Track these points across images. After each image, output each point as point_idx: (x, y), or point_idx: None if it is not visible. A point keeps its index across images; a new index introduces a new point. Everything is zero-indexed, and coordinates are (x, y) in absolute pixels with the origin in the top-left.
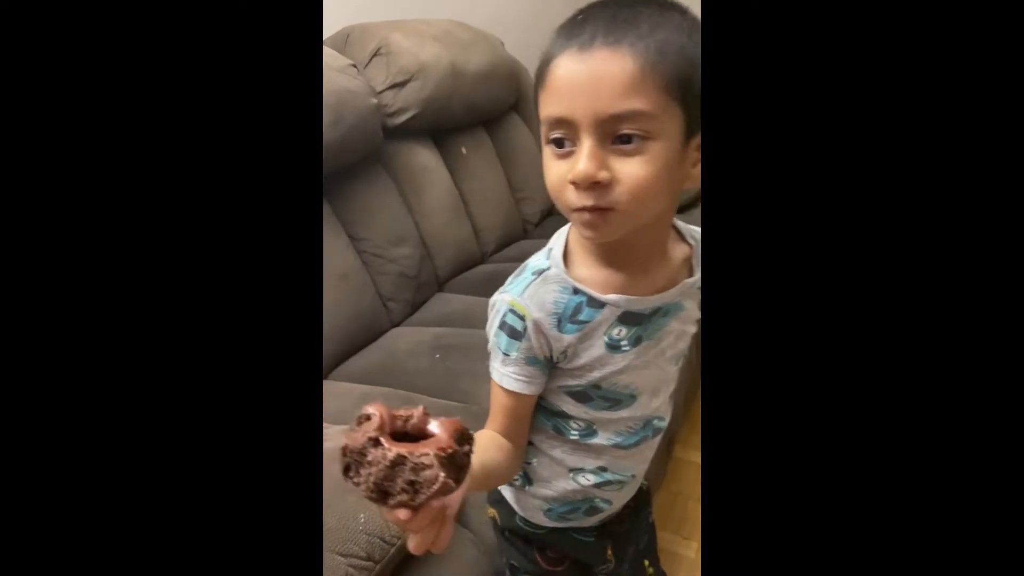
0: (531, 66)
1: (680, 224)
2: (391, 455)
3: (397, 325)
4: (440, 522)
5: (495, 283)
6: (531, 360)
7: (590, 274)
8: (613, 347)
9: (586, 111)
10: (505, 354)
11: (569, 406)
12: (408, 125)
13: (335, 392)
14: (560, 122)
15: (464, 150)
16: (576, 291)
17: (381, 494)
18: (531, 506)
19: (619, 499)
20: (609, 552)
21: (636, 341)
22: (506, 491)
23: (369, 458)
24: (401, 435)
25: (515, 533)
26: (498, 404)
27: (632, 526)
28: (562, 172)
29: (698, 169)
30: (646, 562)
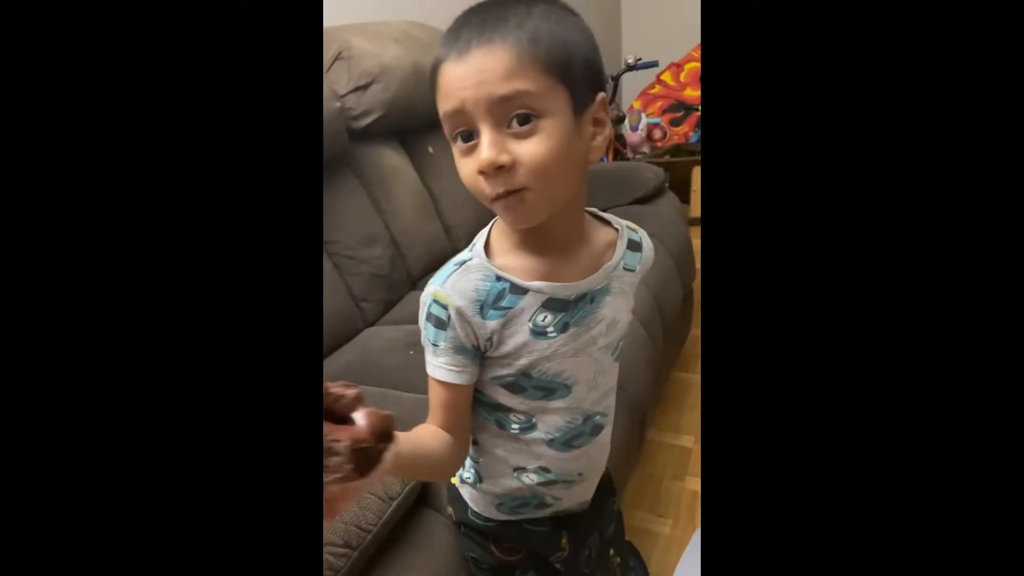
0: None
1: (603, 213)
2: None
3: (371, 325)
4: (338, 497)
5: None
6: (459, 349)
7: (513, 262)
8: (538, 333)
9: (476, 98)
10: (435, 345)
11: (505, 397)
12: (373, 127)
13: None
14: (456, 114)
15: (431, 149)
16: (499, 278)
17: None
18: (484, 502)
19: (571, 497)
20: (564, 540)
21: (563, 328)
22: (462, 488)
23: None
24: (329, 412)
25: (470, 527)
26: (435, 397)
27: (593, 514)
28: (472, 166)
29: (599, 141)
30: (611, 551)
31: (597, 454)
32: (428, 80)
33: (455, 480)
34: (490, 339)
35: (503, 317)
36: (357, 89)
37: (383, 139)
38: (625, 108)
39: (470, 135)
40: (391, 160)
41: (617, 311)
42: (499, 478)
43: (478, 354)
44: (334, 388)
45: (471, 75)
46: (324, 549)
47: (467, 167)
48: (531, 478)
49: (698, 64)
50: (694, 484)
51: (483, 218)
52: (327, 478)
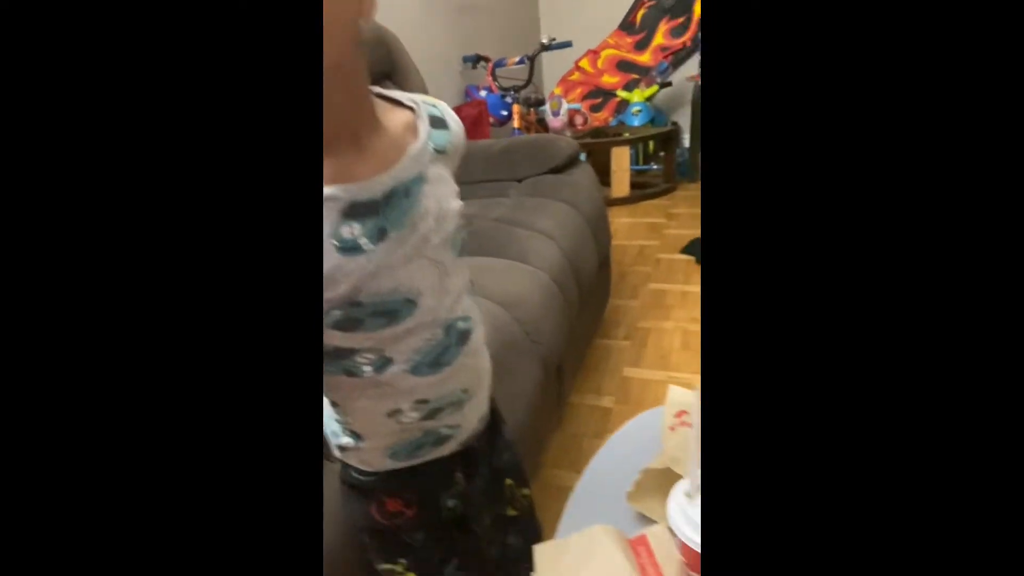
0: (401, 34)
1: (395, 92)
2: None
3: None
4: None
5: None
6: None
7: None
8: (348, 249)
9: None
10: None
11: (341, 339)
12: None
13: None
14: None
15: None
16: None
17: None
18: (375, 457)
19: (467, 419)
20: (457, 474)
21: (379, 235)
22: (346, 456)
23: None
24: None
25: (352, 486)
26: None
27: (486, 443)
28: None
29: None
30: (508, 480)
31: (473, 362)
32: None
33: (336, 452)
34: None
35: None
36: None
37: None
38: (546, 93)
39: None
40: None
41: (442, 199)
42: (377, 429)
43: None
44: None
45: None
46: None
47: None
48: (411, 416)
49: (614, 51)
50: None
51: None
52: None
